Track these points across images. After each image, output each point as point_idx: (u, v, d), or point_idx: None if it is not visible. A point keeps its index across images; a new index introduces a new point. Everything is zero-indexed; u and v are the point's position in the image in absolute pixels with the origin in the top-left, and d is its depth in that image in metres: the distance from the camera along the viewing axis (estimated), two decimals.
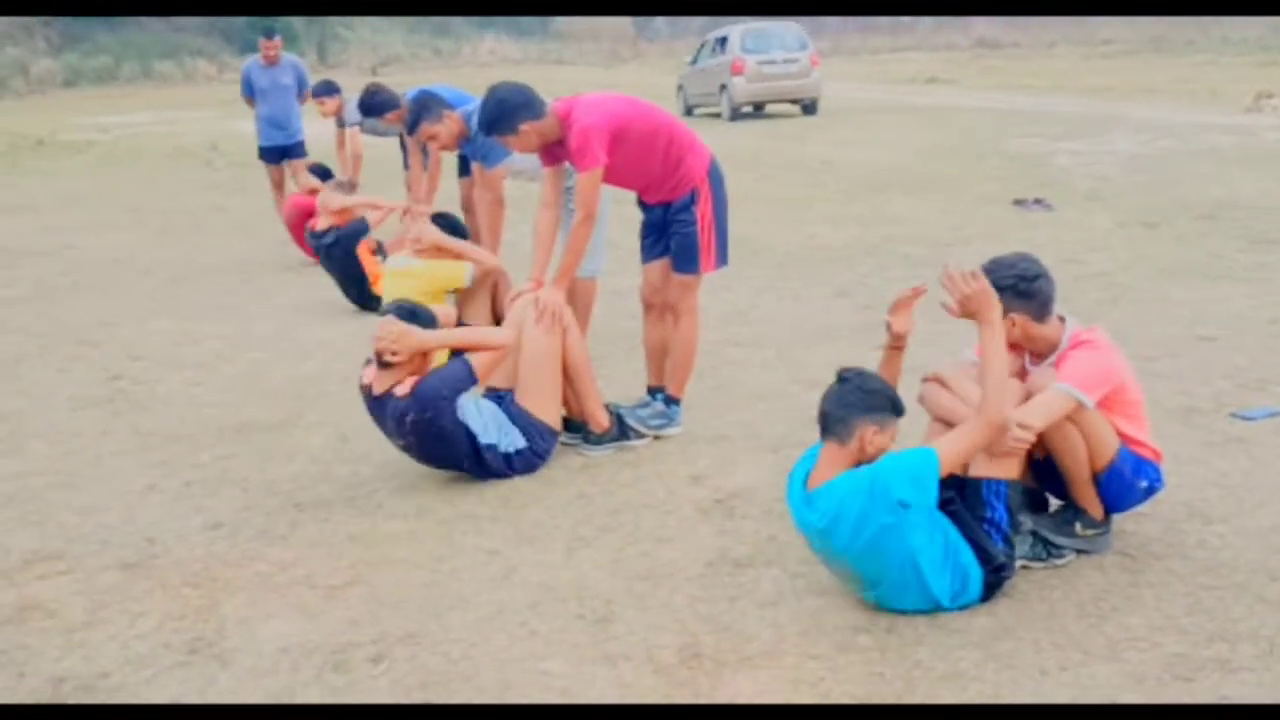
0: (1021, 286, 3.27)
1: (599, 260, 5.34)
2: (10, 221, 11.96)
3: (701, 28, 31.50)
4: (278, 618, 3.34)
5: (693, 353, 4.72)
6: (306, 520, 4.06)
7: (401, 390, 4.04)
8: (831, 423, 3.07)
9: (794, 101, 21.18)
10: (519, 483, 4.29)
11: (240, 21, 42.24)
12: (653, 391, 4.81)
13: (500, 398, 4.40)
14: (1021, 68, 32.62)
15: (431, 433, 4.10)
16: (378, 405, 4.16)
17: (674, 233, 4.55)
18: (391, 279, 5.66)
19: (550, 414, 4.39)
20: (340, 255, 7.28)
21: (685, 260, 4.55)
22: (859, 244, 8.90)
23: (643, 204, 4.67)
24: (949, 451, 3.02)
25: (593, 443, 4.58)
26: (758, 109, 22.07)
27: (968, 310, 3.09)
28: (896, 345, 3.37)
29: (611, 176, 4.42)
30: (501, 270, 5.68)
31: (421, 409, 4.05)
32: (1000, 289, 3.15)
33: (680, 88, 23.76)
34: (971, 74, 31.30)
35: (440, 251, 5.52)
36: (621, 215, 5.62)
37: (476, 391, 4.24)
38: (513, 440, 4.27)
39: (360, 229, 7.32)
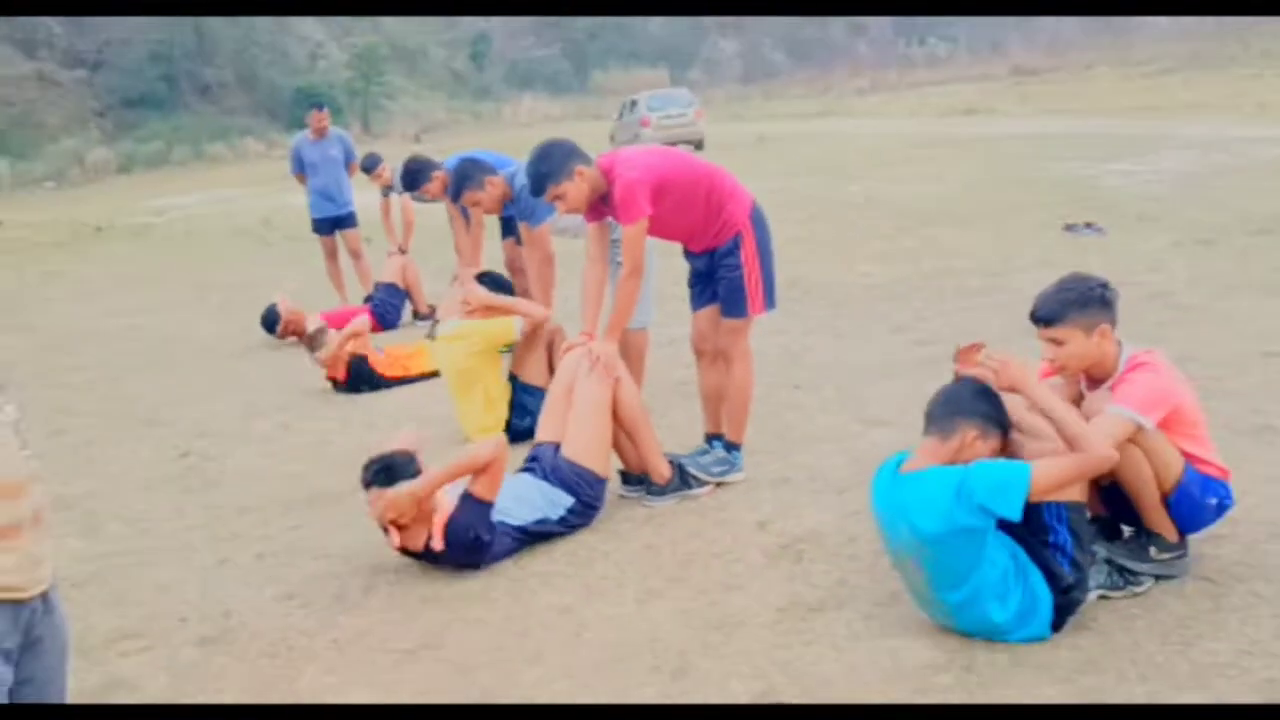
0: (1107, 295, 3.31)
1: (649, 312, 5.37)
2: (76, 307, 12.24)
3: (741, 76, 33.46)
4: (354, 685, 3.35)
5: (748, 397, 4.70)
6: (378, 585, 4.09)
7: (437, 544, 3.98)
8: (936, 418, 3.17)
9: (687, 143, 27.00)
10: (584, 537, 4.28)
11: (287, 99, 44.11)
12: (711, 438, 4.80)
13: (536, 458, 4.42)
14: (1060, 92, 32.46)
15: (488, 555, 4.09)
16: (424, 557, 4.09)
17: (720, 278, 4.56)
18: (441, 344, 5.72)
19: (597, 461, 4.37)
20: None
21: (733, 305, 4.56)
22: (911, 279, 8.79)
23: (688, 253, 4.71)
24: (1043, 474, 3.01)
25: (656, 494, 4.57)
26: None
27: (1004, 385, 3.19)
28: None
29: (656, 228, 4.46)
30: (558, 326, 5.72)
31: (466, 551, 4.03)
32: (1088, 301, 3.27)
33: (612, 137, 29.90)
34: (1010, 102, 31.19)
35: (490, 311, 5.57)
36: (670, 266, 5.63)
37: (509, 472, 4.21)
38: (559, 502, 4.27)
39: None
